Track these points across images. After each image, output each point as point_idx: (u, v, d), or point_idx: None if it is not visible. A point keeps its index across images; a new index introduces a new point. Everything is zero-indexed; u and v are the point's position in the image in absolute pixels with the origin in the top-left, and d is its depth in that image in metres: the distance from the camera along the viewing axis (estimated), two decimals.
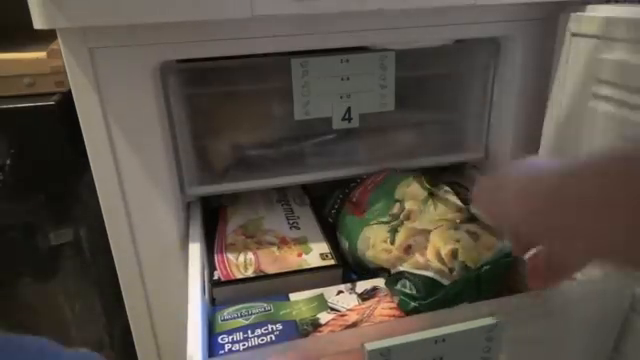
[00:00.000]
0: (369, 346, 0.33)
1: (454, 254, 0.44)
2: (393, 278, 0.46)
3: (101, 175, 0.45)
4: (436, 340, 0.34)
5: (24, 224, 0.56)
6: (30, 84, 0.50)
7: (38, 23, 0.37)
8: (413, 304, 0.43)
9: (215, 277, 0.47)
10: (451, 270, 0.44)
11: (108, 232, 0.47)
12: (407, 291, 0.44)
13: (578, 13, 0.45)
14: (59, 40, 0.41)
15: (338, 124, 0.52)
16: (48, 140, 0.51)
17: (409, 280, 0.44)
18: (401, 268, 0.45)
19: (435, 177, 0.55)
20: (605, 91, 0.42)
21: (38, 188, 0.54)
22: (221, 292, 0.47)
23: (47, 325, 0.66)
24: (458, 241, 0.46)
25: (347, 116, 0.52)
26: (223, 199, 0.58)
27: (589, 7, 0.45)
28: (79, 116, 0.43)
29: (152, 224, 0.48)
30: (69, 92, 0.43)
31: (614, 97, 0.41)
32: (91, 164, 0.45)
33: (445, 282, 0.43)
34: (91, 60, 0.41)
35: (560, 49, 0.47)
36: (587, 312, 0.40)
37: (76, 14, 0.37)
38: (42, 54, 0.49)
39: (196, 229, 0.50)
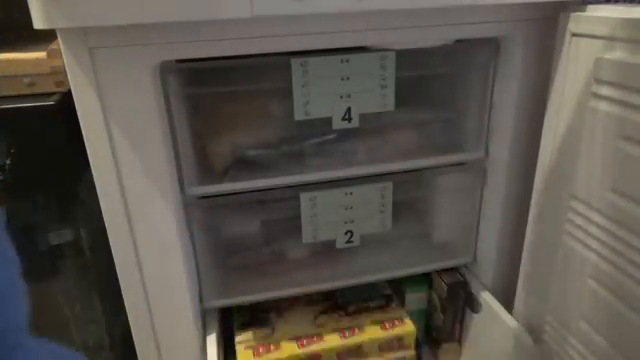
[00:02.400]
0: None
1: None
2: None
3: (101, 175, 0.45)
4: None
5: (23, 224, 0.56)
6: (30, 84, 0.50)
7: (38, 23, 0.37)
8: None
9: None
10: None
11: (108, 232, 0.47)
12: None
13: (578, 13, 0.45)
14: (59, 40, 0.41)
15: (338, 124, 0.52)
16: (48, 140, 0.51)
17: None
18: None
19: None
20: (605, 91, 0.42)
21: (38, 188, 0.54)
22: None
23: (47, 325, 0.66)
24: None
25: (347, 116, 0.52)
26: None
27: (589, 7, 0.45)
28: (79, 116, 0.43)
29: (152, 223, 0.48)
30: (69, 92, 0.43)
31: (614, 97, 0.41)
32: (91, 164, 0.45)
33: None
34: (91, 60, 0.41)
35: (560, 49, 0.47)
36: None
37: (76, 14, 0.37)
38: (42, 54, 0.49)
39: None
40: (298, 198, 0.55)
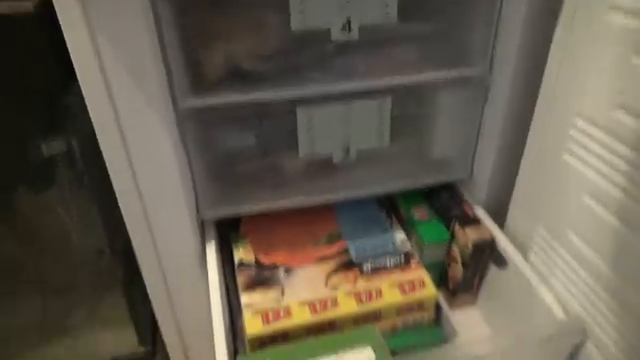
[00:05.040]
0: None
1: None
2: None
3: (88, 84, 0.43)
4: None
5: (12, 135, 0.55)
6: None
7: None
8: None
9: None
10: None
11: (101, 146, 0.46)
12: None
13: None
14: None
15: (337, 35, 0.49)
16: (28, 48, 0.48)
17: None
18: None
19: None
20: (621, 1, 0.39)
21: (22, 98, 0.52)
22: None
23: (47, 234, 0.67)
24: None
25: (347, 27, 0.49)
26: None
27: None
28: (60, 22, 0.40)
29: (145, 136, 0.47)
30: None
31: (631, 8, 0.39)
32: (77, 74, 0.42)
33: None
34: None
35: None
36: None
37: None
38: None
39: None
40: (295, 112, 0.53)
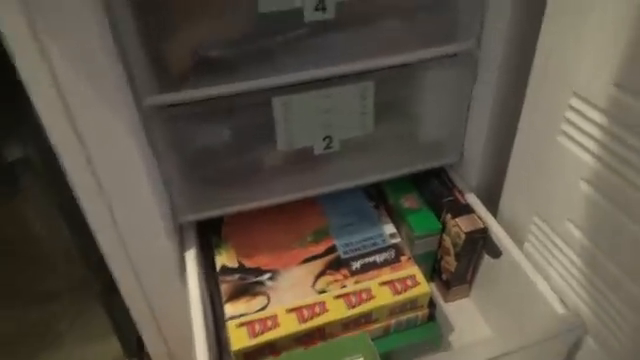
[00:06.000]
0: None
1: None
2: None
3: (35, 86, 0.38)
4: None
5: None
6: None
7: None
8: None
9: None
10: None
11: (59, 155, 0.42)
12: None
13: None
14: None
15: (311, 15, 0.45)
16: None
17: None
18: None
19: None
20: None
21: None
22: None
23: (18, 242, 0.64)
24: None
25: (321, 5, 0.45)
26: None
27: None
28: None
29: (107, 141, 0.43)
30: None
31: None
32: (21, 75, 0.38)
33: None
34: None
35: None
36: None
37: None
38: None
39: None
40: (270, 103, 0.50)
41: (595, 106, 0.40)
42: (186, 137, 0.50)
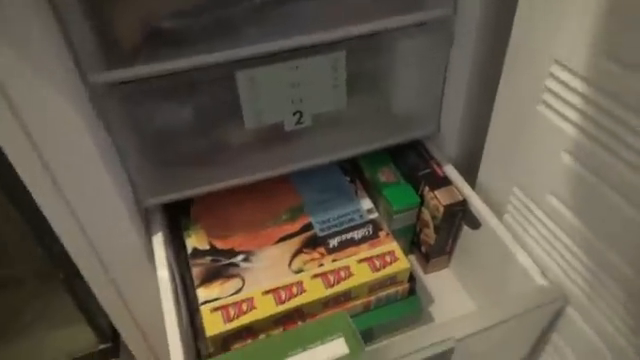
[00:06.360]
0: None
1: None
2: None
3: None
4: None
5: None
6: None
7: None
8: None
9: None
10: None
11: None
12: None
13: None
14: None
15: None
16: None
17: None
18: None
19: None
20: None
21: None
22: None
23: None
24: None
25: None
26: None
27: None
28: None
29: (49, 120, 0.38)
30: None
31: None
32: None
33: None
34: None
35: None
36: None
37: None
38: None
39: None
40: (233, 77, 0.46)
41: (577, 74, 0.38)
42: (144, 116, 0.46)
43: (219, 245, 0.55)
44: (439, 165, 0.59)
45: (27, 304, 0.68)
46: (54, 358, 0.68)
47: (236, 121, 0.49)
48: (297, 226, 0.57)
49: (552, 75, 0.40)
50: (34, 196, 0.43)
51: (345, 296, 0.51)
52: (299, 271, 0.52)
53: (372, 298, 0.53)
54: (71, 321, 0.66)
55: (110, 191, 0.45)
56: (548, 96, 0.42)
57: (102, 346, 0.67)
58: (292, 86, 0.49)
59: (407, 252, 0.64)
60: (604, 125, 0.37)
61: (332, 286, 0.50)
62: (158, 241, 0.52)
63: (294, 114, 0.51)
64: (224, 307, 0.48)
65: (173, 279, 0.50)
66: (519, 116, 0.46)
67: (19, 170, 0.40)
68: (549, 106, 0.42)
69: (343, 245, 0.54)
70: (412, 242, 0.64)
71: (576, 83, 0.38)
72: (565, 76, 0.39)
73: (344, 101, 0.52)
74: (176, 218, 0.58)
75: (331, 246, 0.54)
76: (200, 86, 0.46)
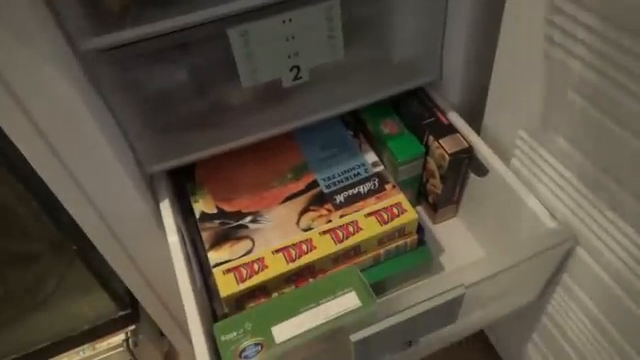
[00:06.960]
0: None
1: None
2: None
3: None
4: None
5: None
6: None
7: None
8: None
9: None
10: None
11: None
12: None
13: None
14: None
15: None
16: None
17: None
18: None
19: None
20: None
21: None
22: None
23: None
24: None
25: None
26: None
27: None
28: None
29: (40, 90, 0.38)
30: None
31: None
32: None
33: None
34: None
35: None
36: None
37: None
38: None
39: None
40: (225, 35, 0.44)
41: (584, 6, 0.36)
42: (138, 81, 0.45)
43: (226, 208, 0.55)
44: (443, 113, 0.58)
45: (46, 277, 0.69)
46: (77, 326, 0.70)
47: (233, 80, 0.48)
48: (302, 184, 0.56)
49: (558, 9, 0.38)
50: (36, 169, 0.43)
51: (355, 250, 0.51)
52: (308, 229, 0.52)
53: (381, 251, 0.53)
54: (90, 291, 0.68)
55: (111, 158, 0.45)
56: (554, 32, 0.40)
57: (122, 312, 0.69)
58: (286, 40, 0.47)
59: (414, 203, 0.64)
60: (613, 58, 0.35)
61: (341, 241, 0.50)
62: (166, 207, 0.52)
63: (291, 69, 0.49)
64: (236, 268, 0.49)
65: (184, 244, 0.50)
66: (524, 56, 0.45)
67: (18, 144, 0.40)
68: (555, 43, 0.40)
69: (350, 200, 0.54)
70: (419, 193, 0.64)
71: (583, 15, 0.36)
72: (571, 9, 0.37)
73: (341, 52, 0.50)
74: (182, 185, 0.58)
75: (338, 202, 0.54)
76: (193, 46, 0.45)
